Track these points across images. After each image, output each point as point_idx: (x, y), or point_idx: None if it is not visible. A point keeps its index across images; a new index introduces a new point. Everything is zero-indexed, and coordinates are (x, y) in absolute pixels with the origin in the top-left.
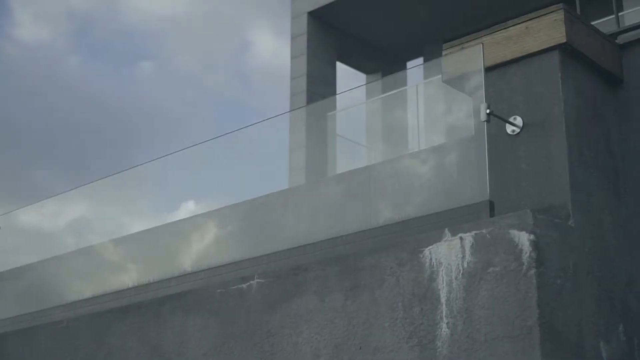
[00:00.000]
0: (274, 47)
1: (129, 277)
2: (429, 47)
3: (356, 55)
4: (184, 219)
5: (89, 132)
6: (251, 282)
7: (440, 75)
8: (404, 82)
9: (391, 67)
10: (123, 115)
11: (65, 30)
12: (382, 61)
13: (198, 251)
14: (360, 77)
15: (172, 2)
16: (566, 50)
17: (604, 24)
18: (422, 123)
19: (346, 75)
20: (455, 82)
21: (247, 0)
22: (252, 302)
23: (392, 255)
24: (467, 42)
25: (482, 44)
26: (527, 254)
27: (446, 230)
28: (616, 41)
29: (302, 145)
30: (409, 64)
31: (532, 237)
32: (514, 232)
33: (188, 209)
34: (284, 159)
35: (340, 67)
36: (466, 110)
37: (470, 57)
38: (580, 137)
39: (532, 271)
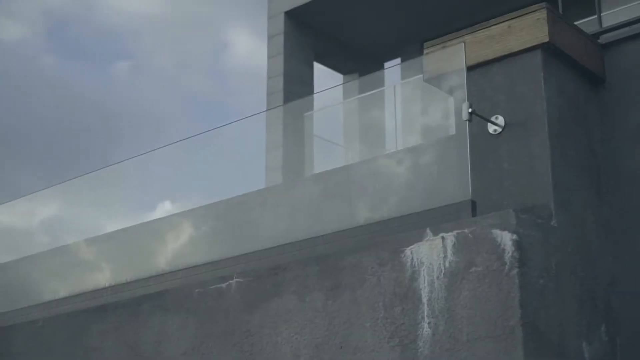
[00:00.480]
0: (251, 47)
1: (106, 276)
2: (407, 48)
3: (333, 56)
4: (162, 218)
5: (65, 131)
6: (230, 281)
7: (417, 76)
8: (381, 83)
9: (368, 67)
10: (100, 114)
11: (41, 29)
12: (360, 62)
13: (176, 250)
14: (337, 78)
15: (148, 1)
16: (549, 49)
17: (584, 25)
18: (399, 123)
19: (323, 76)
20: (437, 81)
21: (225, 0)
22: (231, 302)
23: (373, 255)
24: (448, 40)
25: (464, 42)
26: (510, 254)
27: (427, 230)
28: (598, 41)
29: (279, 145)
30: (387, 65)
31: (514, 237)
32: (497, 232)
33: (165, 208)
34: (261, 159)
35: (318, 67)
36: (443, 111)
37: (451, 56)
38: (562, 136)
39: (515, 271)
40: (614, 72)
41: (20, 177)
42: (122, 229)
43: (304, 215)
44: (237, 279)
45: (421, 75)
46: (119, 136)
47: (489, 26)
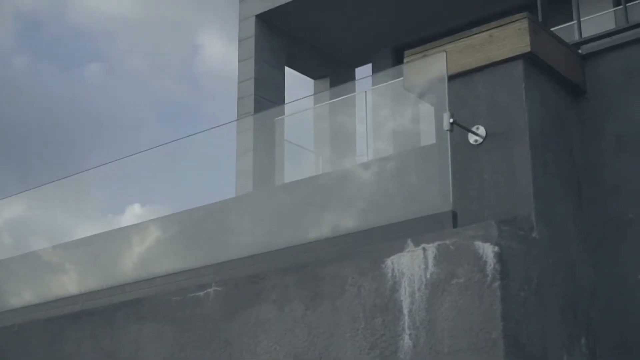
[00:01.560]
0: (223, 51)
1: (81, 283)
2: (378, 53)
3: (304, 60)
4: (137, 224)
5: (38, 133)
6: (208, 290)
7: (388, 82)
8: (353, 88)
9: (339, 72)
10: (72, 117)
11: (12, 30)
12: (331, 67)
13: (152, 257)
14: (308, 82)
15: (121, 3)
16: (530, 59)
17: (565, 29)
18: (371, 129)
19: (294, 80)
20: (417, 89)
21: (197, 4)
22: (209, 310)
23: (353, 265)
24: (429, 49)
25: (446, 52)
26: (492, 266)
27: (409, 241)
28: (579, 51)
29: (249, 150)
30: (358, 70)
31: (496, 249)
32: (478, 244)
33: (134, 212)
34: (232, 163)
35: (289, 71)
36: (414, 116)
37: (432, 65)
38: (544, 147)
39: (497, 283)
40: (595, 82)
41: None
42: (96, 234)
43: (283, 223)
44: (216, 288)
45: (392, 82)
46: (92, 138)
47: (471, 35)
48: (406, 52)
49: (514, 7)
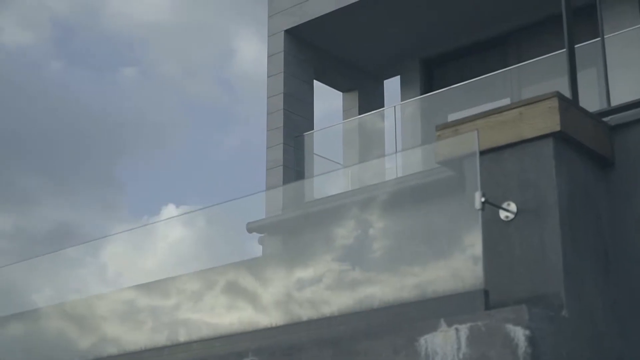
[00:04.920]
0: (257, 54)
1: (121, 341)
2: (406, 65)
3: (333, 74)
4: (166, 279)
5: (71, 137)
6: (246, 359)
7: (415, 97)
8: (381, 102)
9: (368, 85)
10: (106, 121)
11: (49, 36)
12: (359, 79)
13: (189, 318)
14: (337, 95)
15: (155, 9)
16: (560, 137)
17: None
18: (400, 141)
19: (323, 93)
20: (448, 163)
21: (231, 9)
22: None
23: (387, 342)
24: (461, 124)
25: (477, 130)
26: (523, 349)
27: (442, 321)
28: (605, 120)
29: (279, 164)
30: (386, 82)
31: (527, 332)
32: (510, 327)
33: (169, 213)
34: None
35: (317, 84)
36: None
37: (464, 141)
38: (573, 222)
39: None
40: (623, 153)
41: (25, 182)
42: (128, 287)
43: (318, 291)
44: (253, 357)
45: (420, 97)
46: (123, 142)
47: (501, 112)
48: (437, 126)
49: (540, 20)
